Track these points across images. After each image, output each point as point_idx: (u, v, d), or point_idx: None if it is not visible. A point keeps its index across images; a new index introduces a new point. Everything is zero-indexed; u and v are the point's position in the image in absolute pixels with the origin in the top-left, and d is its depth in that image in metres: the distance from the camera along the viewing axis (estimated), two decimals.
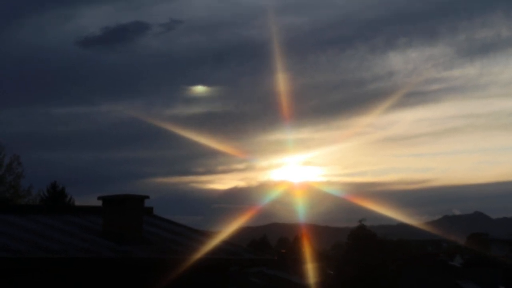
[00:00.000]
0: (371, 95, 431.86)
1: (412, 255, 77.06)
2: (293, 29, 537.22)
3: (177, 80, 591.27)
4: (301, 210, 79.29)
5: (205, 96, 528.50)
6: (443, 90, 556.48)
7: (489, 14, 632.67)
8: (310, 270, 67.66)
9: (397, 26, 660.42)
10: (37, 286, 17.59)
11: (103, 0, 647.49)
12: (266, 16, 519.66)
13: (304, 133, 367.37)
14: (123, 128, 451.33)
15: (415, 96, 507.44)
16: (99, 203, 21.24)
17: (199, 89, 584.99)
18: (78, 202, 67.25)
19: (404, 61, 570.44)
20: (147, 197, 21.19)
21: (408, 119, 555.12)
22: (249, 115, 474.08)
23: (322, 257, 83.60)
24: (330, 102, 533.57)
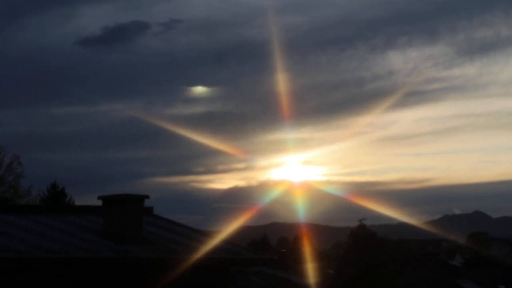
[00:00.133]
0: (371, 95, 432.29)
1: (412, 254, 77.05)
2: (293, 29, 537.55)
3: (177, 79, 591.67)
4: (301, 210, 79.30)
5: (205, 95, 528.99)
6: (443, 89, 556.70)
7: (488, 13, 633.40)
8: (310, 269, 67.69)
9: (397, 25, 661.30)
10: (37, 286, 17.59)
11: (103, 0, 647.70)
12: (266, 16, 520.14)
13: (304, 133, 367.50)
14: (123, 128, 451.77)
15: (415, 96, 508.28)
16: (99, 203, 21.23)
17: (199, 88, 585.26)
18: (78, 202, 67.26)
19: (404, 60, 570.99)
20: (147, 197, 21.18)
21: (408, 118, 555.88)
22: (249, 114, 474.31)
23: (322, 257, 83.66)
24: (330, 101, 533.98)
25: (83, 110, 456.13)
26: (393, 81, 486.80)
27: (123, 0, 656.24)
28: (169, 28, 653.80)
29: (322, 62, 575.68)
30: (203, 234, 22.84)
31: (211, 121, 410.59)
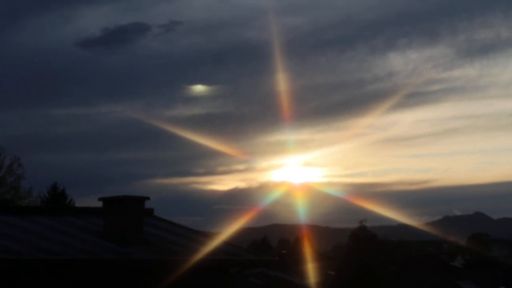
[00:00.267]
0: (371, 96, 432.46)
1: (413, 255, 77.09)
2: (293, 30, 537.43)
3: (177, 81, 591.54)
4: (301, 211, 79.27)
5: (205, 97, 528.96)
6: (443, 91, 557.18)
7: (488, 14, 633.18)
8: (311, 270, 67.66)
9: (397, 27, 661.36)
10: (38, 287, 17.59)
11: (103, 1, 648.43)
12: (266, 16, 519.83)
13: (304, 134, 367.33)
14: (123, 129, 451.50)
15: (415, 97, 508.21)
16: (100, 204, 21.24)
17: (199, 90, 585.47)
18: (79, 203, 67.31)
19: (404, 62, 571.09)
20: (148, 198, 21.20)
21: (408, 120, 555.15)
22: (249, 116, 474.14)
23: (322, 258, 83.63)
24: (330, 103, 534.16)
25: (83, 112, 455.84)
26: (393, 83, 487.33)
27: (123, 1, 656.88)
28: (169, 30, 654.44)
29: (322, 63, 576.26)
30: (203, 236, 22.85)
31: (211, 122, 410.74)
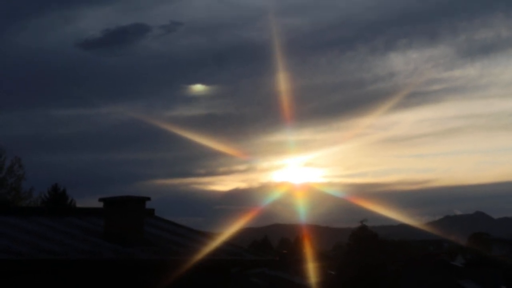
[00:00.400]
0: (372, 96, 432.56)
1: (413, 255, 77.06)
2: (293, 30, 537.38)
3: (178, 81, 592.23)
4: (302, 211, 79.28)
5: (206, 97, 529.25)
6: (443, 90, 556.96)
7: (489, 14, 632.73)
8: (311, 270, 67.66)
9: (398, 27, 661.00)
10: None
11: (104, 2, 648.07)
12: (266, 17, 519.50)
13: (305, 134, 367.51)
14: (123, 130, 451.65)
15: (416, 97, 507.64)
16: (100, 204, 21.27)
17: (200, 90, 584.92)
18: (79, 204, 67.35)
19: (404, 62, 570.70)
20: (148, 198, 21.22)
21: (409, 119, 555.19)
22: (250, 116, 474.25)
23: (323, 258, 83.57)
24: (330, 103, 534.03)
25: (83, 112, 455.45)
26: (393, 83, 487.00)
27: (123, 2, 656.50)
28: (170, 31, 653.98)
29: (323, 63, 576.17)
30: (204, 236, 22.88)
31: (212, 123, 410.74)
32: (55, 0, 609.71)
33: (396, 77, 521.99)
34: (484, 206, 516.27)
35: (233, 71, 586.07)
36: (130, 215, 20.59)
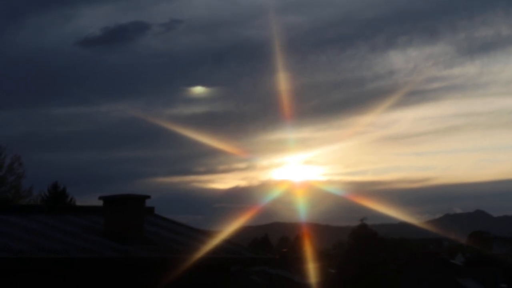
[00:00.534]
0: (372, 94, 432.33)
1: (413, 253, 77.04)
2: (294, 28, 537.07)
3: (177, 80, 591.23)
4: (302, 209, 79.21)
5: (206, 95, 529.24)
6: (443, 88, 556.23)
7: (489, 12, 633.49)
8: (311, 269, 67.69)
9: (398, 25, 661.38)
10: (39, 286, 17.62)
11: (103, 0, 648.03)
12: (266, 15, 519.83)
13: (305, 132, 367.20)
14: (123, 128, 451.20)
15: (416, 95, 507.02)
16: (100, 203, 21.27)
17: (200, 88, 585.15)
18: (79, 202, 67.31)
19: (404, 60, 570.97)
20: (148, 196, 21.21)
21: (409, 117, 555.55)
22: (250, 114, 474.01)
23: (323, 256, 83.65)
24: (330, 101, 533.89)
25: (83, 111, 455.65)
26: (393, 81, 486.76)
27: (123, 0, 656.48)
28: (169, 29, 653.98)
29: (323, 61, 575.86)
30: (204, 234, 22.87)
31: (212, 121, 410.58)
32: None
33: (396, 75, 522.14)
34: (484, 204, 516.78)
35: (233, 69, 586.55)
36: (130, 213, 20.59)
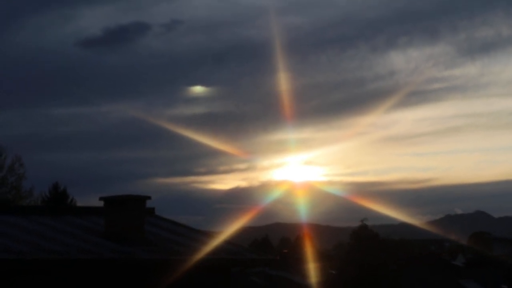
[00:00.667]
0: (372, 95, 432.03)
1: (414, 254, 77.02)
2: (294, 29, 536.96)
3: (178, 80, 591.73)
4: (302, 210, 79.20)
5: (206, 96, 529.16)
6: (444, 89, 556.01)
7: (489, 13, 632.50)
8: (312, 269, 67.68)
9: (398, 25, 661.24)
10: (39, 287, 17.59)
11: (103, 0, 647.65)
12: (267, 16, 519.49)
13: (305, 133, 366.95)
14: (124, 129, 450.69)
15: (416, 96, 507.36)
16: (101, 203, 21.25)
17: (200, 89, 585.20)
18: (80, 203, 67.34)
19: (405, 60, 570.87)
20: (149, 197, 21.19)
21: (409, 118, 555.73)
22: (250, 115, 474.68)
23: (324, 257, 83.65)
24: (331, 101, 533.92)
25: (83, 111, 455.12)
26: (394, 81, 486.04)
27: (123, 1, 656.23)
28: (170, 29, 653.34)
29: (323, 62, 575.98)
30: (204, 235, 22.85)
31: (212, 122, 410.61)
32: None
33: (396, 76, 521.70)
34: (485, 205, 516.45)
35: (233, 69, 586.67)
36: (130, 214, 20.57)
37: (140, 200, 20.95)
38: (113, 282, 18.74)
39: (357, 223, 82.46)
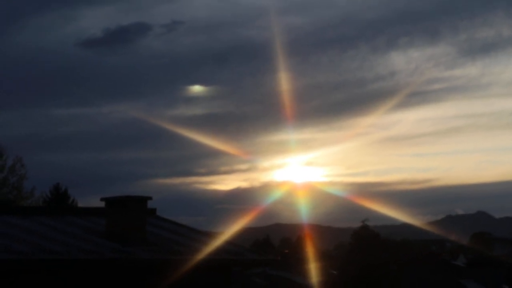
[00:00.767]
0: (373, 95, 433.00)
1: (415, 254, 77.03)
2: (295, 29, 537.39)
3: (179, 80, 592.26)
4: (303, 211, 79.32)
5: (207, 96, 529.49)
6: (444, 89, 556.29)
7: (490, 13, 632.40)
8: (313, 270, 67.66)
9: (399, 26, 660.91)
10: (40, 287, 17.61)
11: (104, 1, 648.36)
12: (268, 16, 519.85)
13: (306, 134, 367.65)
14: (125, 129, 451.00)
15: (417, 96, 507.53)
16: (102, 204, 21.27)
17: (201, 89, 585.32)
18: (81, 203, 67.37)
19: (405, 61, 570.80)
20: (150, 198, 21.21)
21: (410, 119, 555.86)
22: (251, 115, 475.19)
23: (325, 257, 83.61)
24: (332, 102, 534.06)
25: (84, 111, 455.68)
26: (395, 82, 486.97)
27: (124, 1, 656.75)
28: (171, 30, 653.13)
29: (324, 62, 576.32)
30: (205, 235, 22.87)
31: (213, 122, 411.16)
32: None
33: (397, 76, 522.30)
34: (486, 205, 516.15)
35: (234, 70, 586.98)
36: (131, 214, 20.59)
37: (141, 201, 20.97)
38: (114, 282, 18.76)
39: (358, 224, 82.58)
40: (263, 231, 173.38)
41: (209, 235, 23.08)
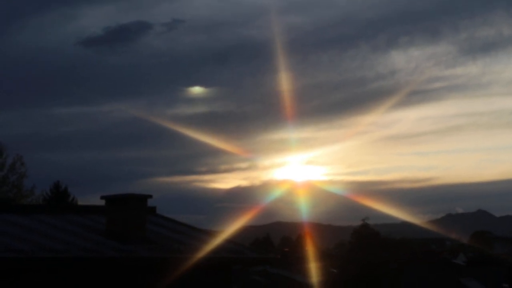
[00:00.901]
0: (374, 94, 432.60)
1: (415, 253, 77.07)
2: (295, 28, 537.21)
3: (179, 79, 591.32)
4: (304, 209, 79.28)
5: (207, 95, 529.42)
6: (445, 88, 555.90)
7: (490, 12, 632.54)
8: (313, 268, 67.70)
9: (399, 25, 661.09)
10: (40, 286, 17.61)
11: (105, 0, 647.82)
12: (268, 15, 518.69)
13: (306, 132, 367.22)
14: (125, 128, 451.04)
15: (418, 95, 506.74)
16: (102, 202, 21.27)
17: (201, 88, 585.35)
18: (81, 201, 67.35)
19: (406, 59, 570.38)
20: (150, 196, 21.21)
21: (410, 117, 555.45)
22: (252, 114, 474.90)
23: (325, 256, 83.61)
24: (332, 101, 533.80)
25: (85, 111, 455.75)
26: (395, 80, 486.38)
27: (125, 0, 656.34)
28: (171, 28, 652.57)
29: (324, 61, 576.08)
30: (206, 234, 22.87)
31: (214, 121, 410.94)
32: None
33: (397, 75, 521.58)
34: (486, 204, 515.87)
35: (234, 69, 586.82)
36: (131, 213, 20.58)
37: (141, 199, 20.97)
38: (114, 281, 18.76)
39: (359, 222, 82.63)
40: (263, 229, 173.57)
41: (209, 234, 23.08)
